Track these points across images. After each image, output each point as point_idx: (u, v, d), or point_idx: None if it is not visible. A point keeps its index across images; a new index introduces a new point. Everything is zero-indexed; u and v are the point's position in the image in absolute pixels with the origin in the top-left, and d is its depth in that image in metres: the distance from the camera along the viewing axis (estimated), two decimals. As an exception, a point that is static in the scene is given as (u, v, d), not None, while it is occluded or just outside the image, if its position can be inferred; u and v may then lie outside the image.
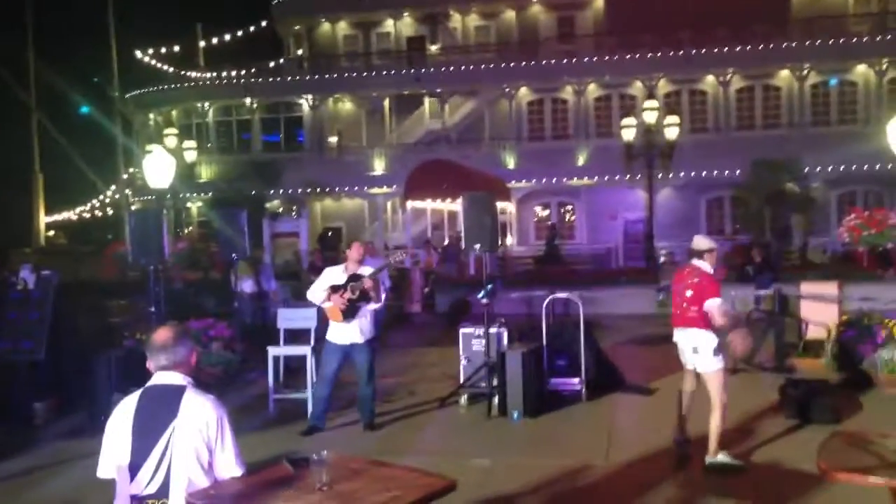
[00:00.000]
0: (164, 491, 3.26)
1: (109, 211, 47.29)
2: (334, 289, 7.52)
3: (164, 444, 3.28)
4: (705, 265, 6.35)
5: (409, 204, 26.16)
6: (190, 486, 3.27)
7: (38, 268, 9.65)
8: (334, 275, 7.65)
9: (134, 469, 3.28)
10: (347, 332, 7.58)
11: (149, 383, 3.46)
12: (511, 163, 30.83)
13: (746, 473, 6.20)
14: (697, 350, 6.25)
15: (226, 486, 3.30)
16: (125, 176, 38.69)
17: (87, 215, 51.10)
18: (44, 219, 40.88)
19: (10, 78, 36.87)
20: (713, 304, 6.13)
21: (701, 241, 6.51)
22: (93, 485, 3.52)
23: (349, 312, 7.51)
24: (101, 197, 47.34)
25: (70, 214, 51.54)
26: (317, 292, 7.65)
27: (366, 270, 7.61)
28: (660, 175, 23.34)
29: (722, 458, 6.23)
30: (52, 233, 47.59)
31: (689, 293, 6.26)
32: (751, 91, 31.06)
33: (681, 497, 5.79)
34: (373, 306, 7.64)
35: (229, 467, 3.37)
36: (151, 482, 3.27)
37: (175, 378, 3.42)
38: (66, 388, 8.97)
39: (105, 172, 42.93)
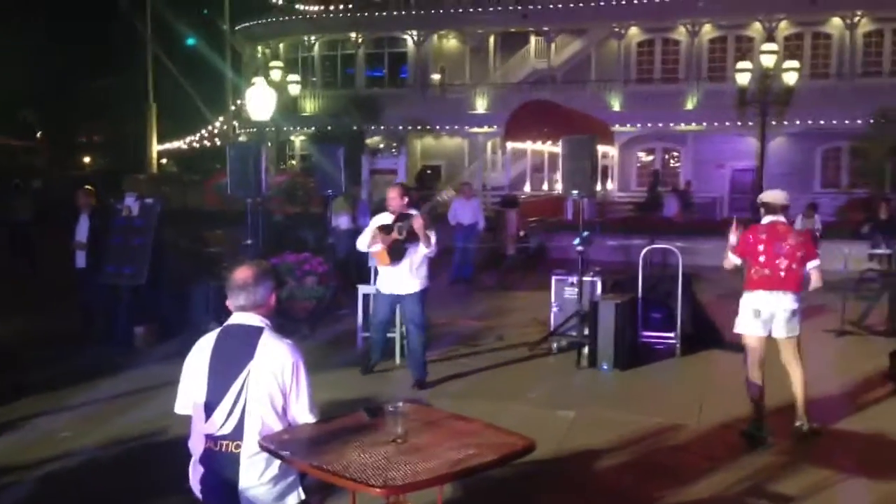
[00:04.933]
0: (238, 433, 3.22)
1: (217, 141, 48.57)
2: (382, 230, 7.08)
3: (240, 386, 3.23)
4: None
5: (510, 145, 25.77)
6: (264, 429, 3.22)
7: (143, 195, 9.93)
8: (382, 219, 7.21)
9: (209, 408, 3.26)
10: (395, 280, 7.12)
11: (227, 322, 3.41)
12: (616, 105, 29.91)
13: (847, 442, 5.87)
14: (796, 314, 5.91)
15: (299, 432, 3.26)
16: (233, 108, 39.54)
17: (197, 145, 52.71)
18: (156, 147, 42.39)
19: (129, 10, 37.93)
20: (816, 265, 5.90)
21: (782, 195, 6.11)
22: (179, 415, 3.50)
23: (396, 254, 7.00)
24: (210, 128, 48.64)
25: (181, 144, 53.28)
26: (364, 238, 7.21)
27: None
28: (773, 122, 22.18)
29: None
30: (164, 161, 49.36)
31: (799, 253, 5.87)
32: (879, 35, 28.95)
33: (775, 463, 5.51)
34: (423, 251, 7.00)
35: (302, 414, 3.32)
36: (226, 423, 3.24)
37: (252, 319, 3.35)
38: (166, 314, 9.28)
39: (215, 104, 44.00)
